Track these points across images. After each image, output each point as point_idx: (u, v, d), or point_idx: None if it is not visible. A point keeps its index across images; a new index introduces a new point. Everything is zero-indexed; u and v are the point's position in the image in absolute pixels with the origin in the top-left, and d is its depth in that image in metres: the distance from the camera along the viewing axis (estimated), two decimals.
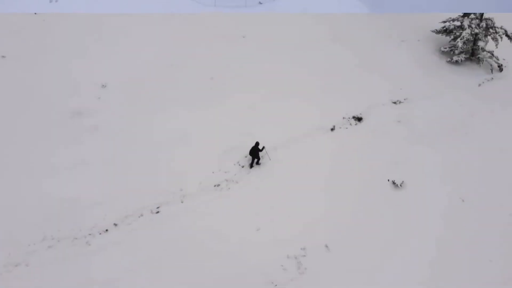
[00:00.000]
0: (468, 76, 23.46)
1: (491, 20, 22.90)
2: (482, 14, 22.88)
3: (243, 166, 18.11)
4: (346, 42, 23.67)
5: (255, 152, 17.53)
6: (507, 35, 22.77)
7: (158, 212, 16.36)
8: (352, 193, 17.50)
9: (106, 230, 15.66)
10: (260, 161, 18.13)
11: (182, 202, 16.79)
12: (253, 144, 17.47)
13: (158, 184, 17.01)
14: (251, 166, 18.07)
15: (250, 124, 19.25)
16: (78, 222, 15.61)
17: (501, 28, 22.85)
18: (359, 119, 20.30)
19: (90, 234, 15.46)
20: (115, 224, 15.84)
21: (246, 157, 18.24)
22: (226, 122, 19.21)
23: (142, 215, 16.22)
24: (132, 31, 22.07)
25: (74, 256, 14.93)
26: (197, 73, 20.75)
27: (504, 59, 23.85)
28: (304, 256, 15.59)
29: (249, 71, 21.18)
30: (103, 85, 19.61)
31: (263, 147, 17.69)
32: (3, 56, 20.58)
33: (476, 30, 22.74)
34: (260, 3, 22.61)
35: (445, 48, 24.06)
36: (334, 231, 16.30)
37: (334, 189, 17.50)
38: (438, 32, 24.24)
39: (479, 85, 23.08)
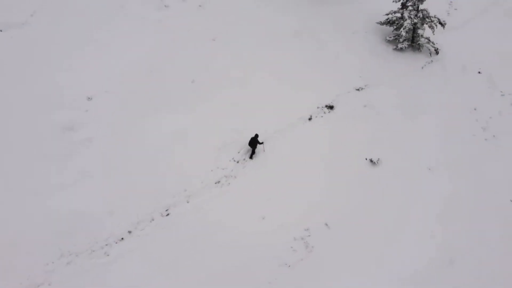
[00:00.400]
0: (412, 61, 26.28)
1: (426, 11, 25.85)
2: (418, 6, 25.77)
3: (238, 162, 19.06)
4: (306, 36, 25.30)
5: (254, 143, 18.57)
6: (440, 23, 25.90)
7: (168, 214, 16.81)
8: (338, 174, 19.19)
9: (122, 238, 15.86)
10: (252, 155, 19.25)
11: (188, 202, 17.37)
12: (253, 135, 18.57)
13: (162, 187, 17.40)
14: (251, 156, 19.11)
15: (235, 120, 20.11)
16: (93, 234, 15.63)
17: (434, 17, 25.91)
18: (331, 107, 22.06)
19: (107, 245, 15.58)
20: (129, 232, 16.08)
21: (238, 152, 19.25)
22: (213, 121, 19.87)
23: (153, 219, 16.60)
24: (106, 42, 21.72)
25: (94, 268, 15.04)
26: (178, 77, 21.08)
27: (436, 43, 27.07)
28: (309, 236, 17.03)
29: (225, 71, 21.95)
30: (88, 98, 19.28)
31: (262, 142, 18.86)
32: None
33: (415, 20, 25.60)
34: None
35: (390, 37, 26.69)
36: (330, 209, 17.88)
37: (323, 172, 19.07)
38: (382, 23, 26.79)
39: (422, 67, 25.98)
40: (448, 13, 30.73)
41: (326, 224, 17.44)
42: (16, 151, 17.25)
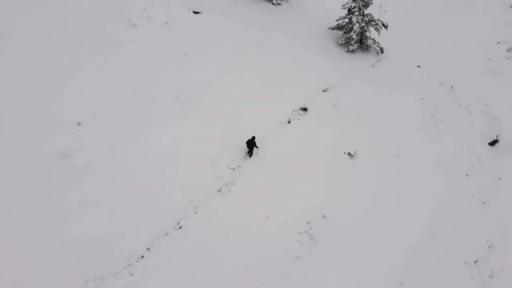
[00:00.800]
0: (363, 60, 28.93)
1: (370, 15, 28.61)
2: (363, 11, 28.45)
3: (233, 169, 19.99)
4: (270, 45, 26.76)
5: (251, 145, 19.83)
6: (383, 25, 28.80)
7: (180, 227, 17.30)
8: (324, 168, 20.90)
9: (142, 256, 16.09)
10: (251, 154, 20.46)
11: (196, 212, 17.96)
12: (250, 138, 19.96)
13: (170, 202, 17.80)
14: (250, 155, 20.41)
15: (224, 128, 20.98)
16: (113, 257, 15.69)
17: (378, 20, 28.77)
18: (305, 109, 23.76)
19: (129, 265, 15.73)
20: (148, 249, 16.35)
21: (232, 160, 20.17)
22: (203, 132, 20.52)
23: (167, 233, 16.99)
24: (82, 65, 21.35)
25: None
26: (161, 94, 21.35)
27: (379, 43, 30.00)
28: (312, 228, 18.48)
29: (204, 84, 22.64)
30: (78, 123, 18.97)
31: (258, 147, 20.13)
32: None
33: (363, 24, 28.25)
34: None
35: (342, 41, 29.09)
36: (323, 201, 19.49)
37: (310, 169, 20.61)
38: (333, 28, 29.14)
39: (372, 66, 28.76)
40: (380, 15, 34.08)
41: (324, 216, 19.03)
42: (16, 184, 16.64)
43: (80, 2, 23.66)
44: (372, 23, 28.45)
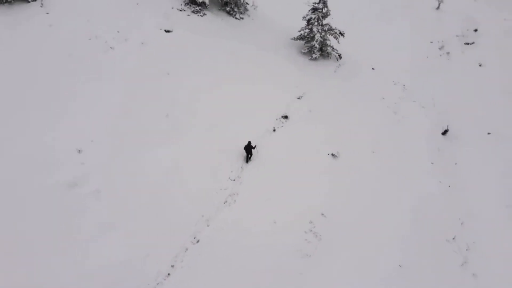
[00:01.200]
0: (325, 67, 31.02)
1: (329, 25, 30.80)
2: (322, 21, 30.55)
3: (234, 180, 20.87)
4: (243, 59, 27.86)
5: (249, 149, 21.08)
6: (340, 33, 31.13)
7: (198, 241, 17.88)
8: (313, 171, 22.44)
9: (168, 274, 16.48)
10: (251, 157, 21.68)
11: (208, 225, 18.61)
12: (246, 143, 21.19)
13: (182, 218, 18.25)
14: (247, 160, 21.57)
15: (217, 142, 21.67)
16: (141, 278, 15.91)
17: (336, 28, 31.04)
18: (286, 117, 25.20)
19: (158, 284, 16.06)
20: (172, 266, 16.77)
21: (232, 172, 21.02)
22: (198, 146, 21.06)
23: (187, 249, 17.49)
24: (70, 94, 20.90)
25: None
26: (152, 114, 21.50)
27: (337, 50, 32.33)
28: (315, 227, 19.94)
29: (191, 100, 23.17)
30: (78, 151, 18.69)
31: (255, 146, 21.35)
32: None
33: (323, 33, 30.36)
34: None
35: (304, 50, 30.99)
36: (320, 201, 21.08)
37: (303, 170, 22.02)
38: (296, 39, 30.95)
39: (335, 71, 31.00)
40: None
41: (322, 214, 20.57)
42: (27, 219, 16.13)
43: (52, 28, 23.04)
44: (331, 31, 30.66)
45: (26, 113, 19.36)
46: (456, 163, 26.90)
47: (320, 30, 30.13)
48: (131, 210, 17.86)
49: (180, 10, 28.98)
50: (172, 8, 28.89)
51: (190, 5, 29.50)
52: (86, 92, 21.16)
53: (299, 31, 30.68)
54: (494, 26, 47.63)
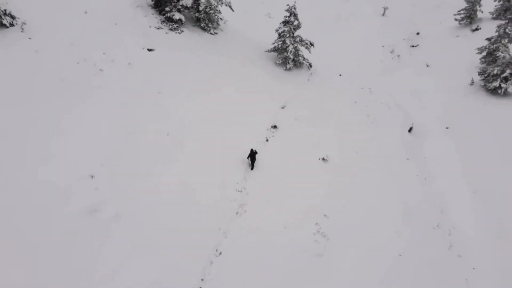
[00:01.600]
0: (299, 76, 32.76)
1: (300, 36, 32.55)
2: (293, 33, 32.24)
3: (241, 191, 21.73)
4: (225, 72, 28.70)
5: (254, 156, 22.50)
6: (311, 44, 33.03)
7: (220, 253, 18.55)
8: (309, 175, 23.90)
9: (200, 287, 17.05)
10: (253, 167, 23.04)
11: (226, 237, 19.33)
12: (247, 153, 22.85)
13: (201, 233, 18.77)
14: (252, 167, 23.00)
15: (219, 155, 22.49)
16: None
17: (306, 39, 32.88)
18: (275, 126, 26.47)
19: None
20: (202, 280, 17.30)
21: (237, 183, 21.86)
22: (202, 161, 21.67)
23: (212, 262, 18.09)
24: (70, 120, 20.59)
25: None
26: (154, 134, 21.77)
27: (307, 59, 34.23)
28: (321, 228, 21.33)
29: (186, 117, 23.58)
30: (91, 176, 18.57)
31: (257, 152, 22.82)
32: None
33: (295, 45, 32.05)
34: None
35: (279, 61, 32.50)
36: (320, 202, 22.53)
37: (299, 177, 23.41)
38: (270, 51, 32.39)
39: (308, 79, 32.82)
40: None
41: (325, 215, 22.05)
42: (55, 249, 15.95)
43: (39, 54, 22.48)
44: (302, 42, 32.47)
45: (31, 142, 18.88)
46: (425, 157, 29.63)
47: (292, 42, 31.80)
48: (150, 230, 18.09)
49: (158, 29, 29.27)
50: (150, 26, 29.11)
51: (167, 23, 29.87)
52: (85, 117, 20.94)
53: (273, 43, 32.16)
54: (432, 28, 52.38)
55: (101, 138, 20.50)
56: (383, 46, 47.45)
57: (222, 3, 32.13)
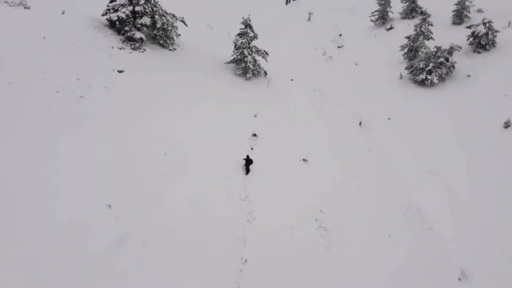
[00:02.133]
0: (259, 84, 34.39)
1: (256, 47, 34.15)
2: (250, 43, 33.74)
3: (244, 200, 22.71)
4: (193, 86, 29.14)
5: (249, 162, 23.89)
6: (266, 53, 34.81)
7: (246, 260, 19.44)
8: (296, 175, 25.64)
9: None
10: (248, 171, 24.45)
11: (245, 245, 20.26)
12: (245, 158, 24.29)
13: (225, 244, 19.54)
14: (247, 172, 24.38)
15: (216, 168, 23.25)
16: None
17: (262, 49, 34.58)
18: (255, 135, 27.77)
19: None
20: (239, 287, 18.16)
21: (240, 193, 22.80)
22: (205, 176, 22.34)
23: (241, 270, 18.94)
24: (69, 150, 19.69)
25: None
26: (152, 155, 21.66)
27: (263, 67, 35.97)
28: (321, 223, 23.22)
29: (175, 135, 23.86)
30: (109, 206, 18.06)
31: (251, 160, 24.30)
32: None
33: (253, 55, 33.59)
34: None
35: (239, 71, 33.76)
36: (315, 200, 24.40)
37: (289, 177, 24.98)
38: (229, 62, 33.50)
39: (267, 87, 34.60)
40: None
41: (321, 211, 24.02)
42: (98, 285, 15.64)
43: (14, 85, 20.92)
44: (259, 52, 34.16)
45: (34, 182, 17.92)
46: (379, 146, 33.25)
47: (250, 52, 33.34)
48: (179, 249, 18.44)
49: (121, 49, 28.76)
50: (112, 47, 28.50)
51: (128, 43, 29.44)
52: (82, 147, 20.24)
53: (232, 55, 33.36)
54: (352, 29, 57.72)
55: (104, 166, 20.10)
56: (315, 49, 51.24)
57: (176, 19, 32.44)
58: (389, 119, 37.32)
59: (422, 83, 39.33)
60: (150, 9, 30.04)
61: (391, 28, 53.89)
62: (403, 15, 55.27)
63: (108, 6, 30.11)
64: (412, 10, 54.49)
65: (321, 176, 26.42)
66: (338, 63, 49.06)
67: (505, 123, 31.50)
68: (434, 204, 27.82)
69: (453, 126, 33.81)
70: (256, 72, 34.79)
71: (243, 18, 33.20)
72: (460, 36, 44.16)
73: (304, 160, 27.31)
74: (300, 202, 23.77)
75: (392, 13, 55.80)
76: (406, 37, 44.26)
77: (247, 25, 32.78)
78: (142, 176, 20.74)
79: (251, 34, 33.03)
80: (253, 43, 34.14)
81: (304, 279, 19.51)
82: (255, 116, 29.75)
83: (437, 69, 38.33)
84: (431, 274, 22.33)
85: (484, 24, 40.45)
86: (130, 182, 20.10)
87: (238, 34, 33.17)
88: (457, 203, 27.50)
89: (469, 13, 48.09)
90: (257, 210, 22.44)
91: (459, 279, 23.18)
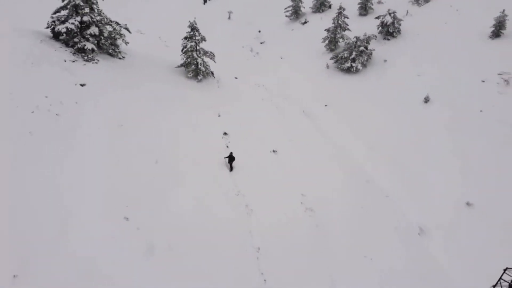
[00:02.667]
0: (211, 85, 35.30)
1: (203, 49, 34.90)
2: (197, 45, 34.42)
3: (238, 195, 23.99)
4: (155, 94, 29.26)
5: (232, 159, 25.28)
6: (213, 54, 35.80)
7: (259, 248, 20.94)
8: (269, 166, 27.63)
9: (265, 280, 19.32)
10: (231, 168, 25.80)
11: (252, 236, 21.74)
12: (227, 155, 25.56)
13: (237, 237, 20.86)
14: (231, 169, 25.58)
15: (207, 169, 24.23)
16: None
17: (209, 51, 35.46)
18: (226, 133, 28.96)
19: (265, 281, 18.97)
20: (262, 273, 19.58)
21: (238, 195, 24.07)
22: (204, 178, 23.31)
23: (258, 258, 20.41)
24: (66, 169, 18.88)
25: None
26: (146, 165, 21.91)
27: (210, 68, 36.97)
28: (305, 204, 25.52)
29: (161, 143, 24.23)
30: (126, 218, 18.03)
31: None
32: None
33: (203, 57, 34.40)
34: None
35: (190, 74, 34.27)
36: (293, 185, 26.64)
37: (265, 169, 26.96)
38: (179, 66, 33.84)
39: (218, 86, 35.75)
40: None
41: (302, 194, 26.37)
42: None
43: None
44: (207, 54, 35.11)
45: (40, 209, 17.29)
46: (326, 131, 36.74)
47: (199, 55, 34.17)
48: (201, 249, 19.35)
49: (74, 61, 27.55)
50: (65, 60, 27.20)
51: (79, 54, 28.28)
52: (77, 167, 19.78)
53: (182, 59, 33.81)
54: (269, 25, 60.76)
55: (106, 180, 19.95)
56: (242, 47, 53.31)
57: (121, 27, 31.87)
58: (326, 105, 40.94)
59: (348, 70, 43.78)
60: (96, 18, 29.18)
61: (305, 22, 58.11)
62: (314, 9, 59.90)
63: (52, 17, 28.49)
64: (321, 4, 59.36)
65: (292, 163, 28.82)
66: (265, 58, 51.68)
67: (424, 98, 36.95)
68: (385, 176, 31.85)
69: (383, 105, 38.53)
70: (206, 74, 35.70)
71: (189, 21, 33.80)
72: (369, 25, 49.80)
73: (274, 151, 29.40)
74: (283, 189, 25.94)
75: (304, 8, 60.10)
76: (325, 30, 48.51)
77: (194, 28, 33.46)
78: (144, 185, 20.96)
79: (198, 37, 33.80)
80: (201, 45, 34.95)
81: (307, 251, 21.79)
82: (219, 116, 30.90)
83: (359, 57, 43.04)
84: (396, 232, 26.06)
85: (390, 14, 46.33)
86: (135, 192, 20.27)
87: (185, 38, 33.69)
88: (404, 173, 31.79)
89: (372, 5, 54.20)
90: (251, 202, 24.00)
91: (419, 234, 27.28)
